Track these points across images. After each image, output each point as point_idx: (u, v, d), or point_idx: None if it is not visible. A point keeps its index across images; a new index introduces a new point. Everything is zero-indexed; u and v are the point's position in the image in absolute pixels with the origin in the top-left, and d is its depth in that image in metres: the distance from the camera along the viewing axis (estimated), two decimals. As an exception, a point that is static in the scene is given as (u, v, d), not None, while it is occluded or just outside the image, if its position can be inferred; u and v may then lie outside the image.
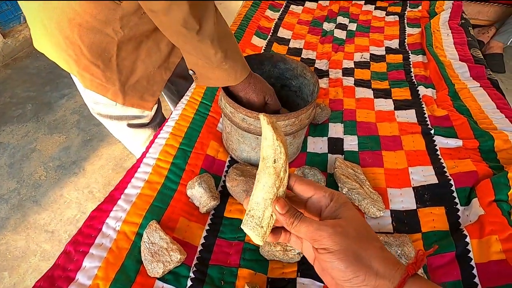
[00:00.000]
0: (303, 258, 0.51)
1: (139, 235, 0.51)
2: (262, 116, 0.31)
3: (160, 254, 0.47)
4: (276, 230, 0.33)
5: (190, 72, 0.52)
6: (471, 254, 0.49)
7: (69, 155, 1.31)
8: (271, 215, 0.31)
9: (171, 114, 0.73)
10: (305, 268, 0.50)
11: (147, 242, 0.48)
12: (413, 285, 0.25)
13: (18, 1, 0.53)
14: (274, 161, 0.30)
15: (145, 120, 0.73)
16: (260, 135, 0.55)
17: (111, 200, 0.57)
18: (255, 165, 0.62)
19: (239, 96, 0.56)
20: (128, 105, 0.62)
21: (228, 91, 0.57)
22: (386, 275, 0.25)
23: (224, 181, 0.62)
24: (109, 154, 1.31)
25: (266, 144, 0.31)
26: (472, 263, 0.48)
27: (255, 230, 0.31)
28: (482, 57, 0.90)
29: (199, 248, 0.52)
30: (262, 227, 0.31)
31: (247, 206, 0.33)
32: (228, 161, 0.66)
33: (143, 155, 0.64)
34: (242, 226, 0.32)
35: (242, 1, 1.14)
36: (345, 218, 0.28)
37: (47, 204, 1.14)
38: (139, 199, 0.56)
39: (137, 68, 0.57)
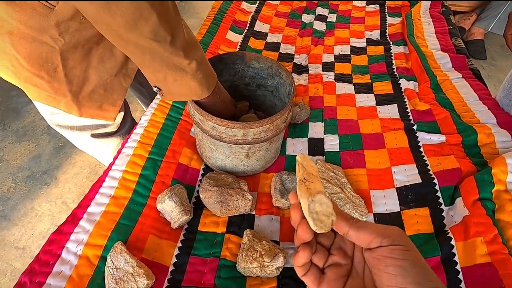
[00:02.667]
0: (283, 272, 0.47)
1: (103, 259, 0.46)
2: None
3: (125, 281, 0.42)
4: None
5: (155, 89, 0.46)
6: (456, 258, 0.47)
7: (40, 164, 1.23)
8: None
9: (139, 120, 0.67)
10: (286, 282, 0.47)
11: (111, 267, 0.44)
12: None
13: None
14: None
15: (111, 129, 0.67)
16: (233, 144, 0.51)
17: (73, 219, 0.52)
18: (231, 173, 0.58)
19: (210, 105, 0.52)
20: (85, 116, 0.56)
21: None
22: None
23: (198, 192, 0.58)
24: (83, 161, 1.24)
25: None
26: (458, 267, 0.46)
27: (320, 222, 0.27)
28: (463, 46, 0.88)
29: (171, 268, 0.48)
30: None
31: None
32: (203, 169, 0.62)
33: (109, 167, 0.59)
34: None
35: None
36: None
37: (16, 218, 1.06)
38: (103, 217, 0.51)
39: (90, 77, 0.52)
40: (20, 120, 1.40)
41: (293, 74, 0.85)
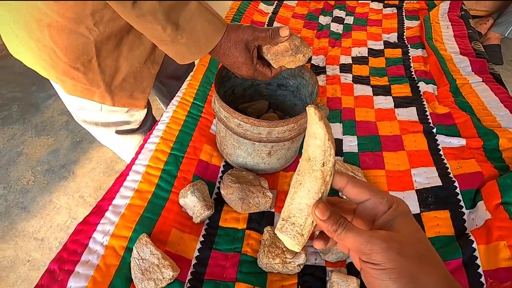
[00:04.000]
0: (303, 269, 0.48)
1: (128, 250, 0.48)
2: (312, 110, 0.27)
3: (151, 272, 0.44)
4: (325, 236, 0.29)
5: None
6: (478, 261, 0.47)
7: (58, 158, 1.26)
8: (313, 221, 0.28)
9: (161, 117, 0.69)
10: (306, 280, 0.47)
11: (137, 258, 0.45)
12: None
13: None
14: (323, 164, 0.27)
15: (134, 126, 0.69)
16: (257, 142, 0.52)
17: (98, 211, 0.53)
18: (252, 170, 0.59)
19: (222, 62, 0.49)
20: (118, 106, 0.58)
21: (224, 92, 0.53)
22: None
23: (218, 188, 0.59)
24: (99, 157, 1.26)
25: (314, 143, 0.28)
26: (480, 270, 0.46)
27: (295, 239, 0.28)
28: (483, 50, 0.88)
29: (193, 261, 0.49)
30: (303, 235, 0.28)
31: (285, 211, 0.30)
32: (223, 166, 0.63)
33: (132, 161, 0.60)
34: (277, 232, 0.30)
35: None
36: (403, 232, 0.24)
37: (35, 210, 1.09)
38: (128, 210, 0.52)
39: (121, 66, 0.53)
40: (40, 115, 1.43)
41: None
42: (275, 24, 1.04)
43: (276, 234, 0.49)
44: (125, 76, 0.55)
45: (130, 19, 0.40)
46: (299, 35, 0.47)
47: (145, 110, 0.69)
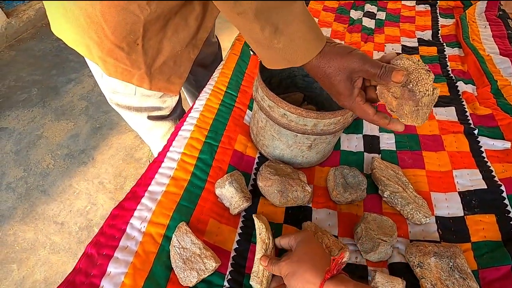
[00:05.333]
0: (346, 268, 0.47)
1: (166, 238, 0.47)
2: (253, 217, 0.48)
3: (193, 262, 0.42)
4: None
5: (252, 52, 0.45)
6: (529, 269, 0.45)
7: (78, 143, 1.26)
8: (264, 269, 0.43)
9: (194, 104, 0.67)
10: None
11: (177, 246, 0.44)
12: (330, 285, 0.35)
13: None
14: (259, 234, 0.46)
15: (165, 112, 0.68)
16: (300, 133, 0.50)
17: (133, 197, 0.52)
18: (288, 163, 0.58)
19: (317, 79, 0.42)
20: (154, 89, 0.56)
21: (268, 81, 0.51)
22: (314, 281, 0.36)
23: (254, 180, 0.57)
24: (119, 144, 1.26)
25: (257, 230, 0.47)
26: (530, 278, 0.44)
27: (258, 285, 0.43)
28: (525, 52, 0.84)
29: (232, 253, 0.47)
30: (262, 281, 0.43)
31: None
32: (258, 157, 0.61)
33: (166, 148, 0.59)
34: (250, 282, 0.44)
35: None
36: (295, 250, 0.41)
37: (55, 194, 1.09)
38: (164, 197, 0.51)
39: (164, 48, 0.51)
40: (59, 99, 1.43)
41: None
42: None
43: (317, 230, 0.48)
44: (166, 59, 0.53)
45: (230, 16, 0.37)
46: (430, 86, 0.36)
47: (177, 97, 0.68)
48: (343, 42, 0.93)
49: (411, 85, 0.36)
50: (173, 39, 0.51)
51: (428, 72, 0.36)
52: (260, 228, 0.46)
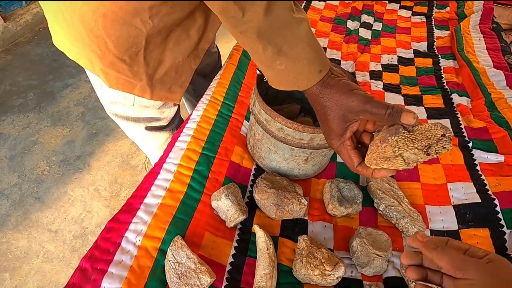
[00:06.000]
0: (340, 282, 0.46)
1: (161, 252, 0.46)
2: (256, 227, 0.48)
3: (188, 277, 0.42)
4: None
5: (258, 71, 0.45)
6: (523, 284, 0.45)
7: (74, 150, 1.25)
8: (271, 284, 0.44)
9: (190, 114, 0.67)
10: (343, 293, 0.46)
11: (172, 261, 0.44)
12: None
13: None
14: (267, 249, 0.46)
15: (163, 123, 0.68)
16: (297, 147, 0.50)
17: (129, 209, 0.52)
18: (284, 176, 0.58)
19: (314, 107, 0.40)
20: (156, 99, 0.56)
21: (264, 94, 0.51)
22: None
23: (250, 192, 0.57)
24: (115, 150, 1.25)
25: (259, 240, 0.48)
26: (525, 294, 0.44)
27: None
28: (517, 65, 0.85)
29: (228, 267, 0.47)
30: None
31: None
32: (254, 169, 0.61)
33: (163, 159, 0.59)
34: None
35: None
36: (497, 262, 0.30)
37: (50, 201, 1.08)
38: (160, 210, 0.51)
39: (165, 59, 0.51)
40: (56, 104, 1.43)
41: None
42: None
43: (312, 243, 0.48)
44: (168, 70, 0.53)
45: (233, 33, 0.37)
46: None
47: (176, 108, 0.68)
48: (340, 53, 0.94)
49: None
50: (175, 50, 0.52)
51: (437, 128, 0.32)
52: (268, 243, 0.47)
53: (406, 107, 0.77)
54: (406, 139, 0.33)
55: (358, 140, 0.39)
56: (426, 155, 0.33)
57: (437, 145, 0.32)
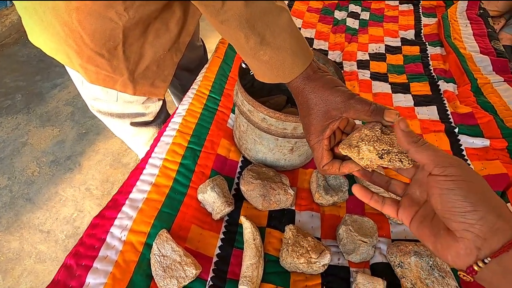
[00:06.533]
0: (327, 270, 0.47)
1: (147, 246, 0.46)
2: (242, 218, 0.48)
3: (173, 269, 0.42)
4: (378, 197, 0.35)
5: (243, 64, 0.44)
6: (507, 265, 0.45)
7: (64, 150, 1.24)
8: (258, 274, 0.44)
9: (177, 109, 0.67)
10: (330, 280, 0.46)
11: (157, 254, 0.44)
12: None
13: None
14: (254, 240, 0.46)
15: (148, 118, 0.67)
16: (281, 137, 0.50)
17: (114, 205, 0.51)
18: (271, 167, 0.58)
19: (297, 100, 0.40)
20: (139, 95, 0.56)
21: (247, 85, 0.51)
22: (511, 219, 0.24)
23: (237, 184, 0.57)
24: (106, 149, 1.24)
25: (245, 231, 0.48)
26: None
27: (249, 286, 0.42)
28: (503, 49, 0.86)
29: (214, 259, 0.47)
30: (253, 283, 0.42)
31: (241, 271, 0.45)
32: (241, 161, 0.61)
33: (148, 154, 0.59)
34: (240, 287, 0.43)
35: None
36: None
37: (41, 202, 1.07)
38: (146, 204, 0.51)
39: (146, 53, 0.51)
40: (44, 105, 1.41)
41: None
42: (290, 17, 1.01)
43: (298, 232, 0.48)
44: (149, 64, 0.53)
45: (214, 23, 0.36)
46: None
47: (160, 102, 0.67)
48: (327, 43, 0.94)
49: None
50: (155, 43, 0.51)
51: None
52: (255, 234, 0.46)
53: (394, 94, 0.77)
54: (374, 136, 0.32)
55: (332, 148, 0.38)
56: (379, 157, 0.32)
57: (395, 155, 0.31)
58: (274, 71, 0.37)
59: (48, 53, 0.51)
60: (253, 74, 0.42)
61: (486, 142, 0.63)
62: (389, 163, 0.32)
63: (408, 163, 0.31)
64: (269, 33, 0.35)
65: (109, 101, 0.59)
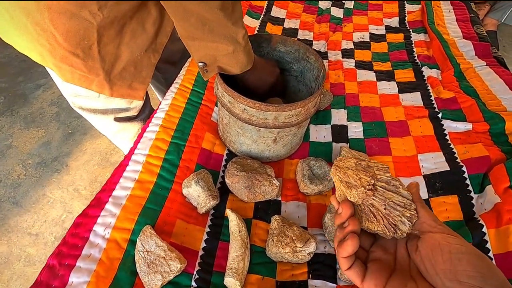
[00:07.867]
0: (313, 258, 0.47)
1: (132, 243, 0.46)
2: (228, 211, 0.48)
3: (158, 264, 0.42)
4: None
5: (200, 64, 0.46)
6: (488, 245, 0.46)
7: (50, 151, 1.21)
8: (244, 266, 0.44)
9: (160, 104, 0.66)
10: (317, 268, 0.46)
11: (141, 250, 0.43)
12: None
13: None
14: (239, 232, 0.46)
15: (132, 113, 0.66)
16: (263, 128, 0.50)
17: (97, 203, 0.51)
18: (256, 158, 0.57)
19: (247, 81, 0.53)
20: (116, 96, 0.55)
21: (226, 77, 0.50)
22: None
23: (223, 177, 0.57)
24: (93, 148, 1.22)
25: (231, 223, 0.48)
26: (490, 254, 0.46)
27: (236, 279, 0.42)
28: (486, 34, 0.86)
29: (200, 253, 0.47)
30: (239, 274, 0.43)
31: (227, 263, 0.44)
32: (226, 154, 0.61)
33: (131, 151, 0.58)
34: (227, 278, 0.43)
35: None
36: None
37: (28, 204, 1.06)
38: (129, 201, 0.50)
39: (122, 54, 0.50)
40: (28, 106, 1.38)
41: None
42: (274, 8, 1.00)
43: (284, 222, 0.48)
44: (125, 65, 0.52)
45: (223, 27, 0.42)
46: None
47: (145, 97, 0.66)
48: (312, 33, 0.93)
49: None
50: (131, 44, 0.50)
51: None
52: (240, 226, 0.46)
53: (378, 82, 0.77)
54: (359, 171, 0.31)
55: None
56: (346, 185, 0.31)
57: (364, 193, 0.30)
58: (249, 59, 0.48)
59: (21, 51, 0.50)
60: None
61: (468, 126, 0.63)
62: (357, 193, 0.30)
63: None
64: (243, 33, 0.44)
65: (90, 98, 0.58)
